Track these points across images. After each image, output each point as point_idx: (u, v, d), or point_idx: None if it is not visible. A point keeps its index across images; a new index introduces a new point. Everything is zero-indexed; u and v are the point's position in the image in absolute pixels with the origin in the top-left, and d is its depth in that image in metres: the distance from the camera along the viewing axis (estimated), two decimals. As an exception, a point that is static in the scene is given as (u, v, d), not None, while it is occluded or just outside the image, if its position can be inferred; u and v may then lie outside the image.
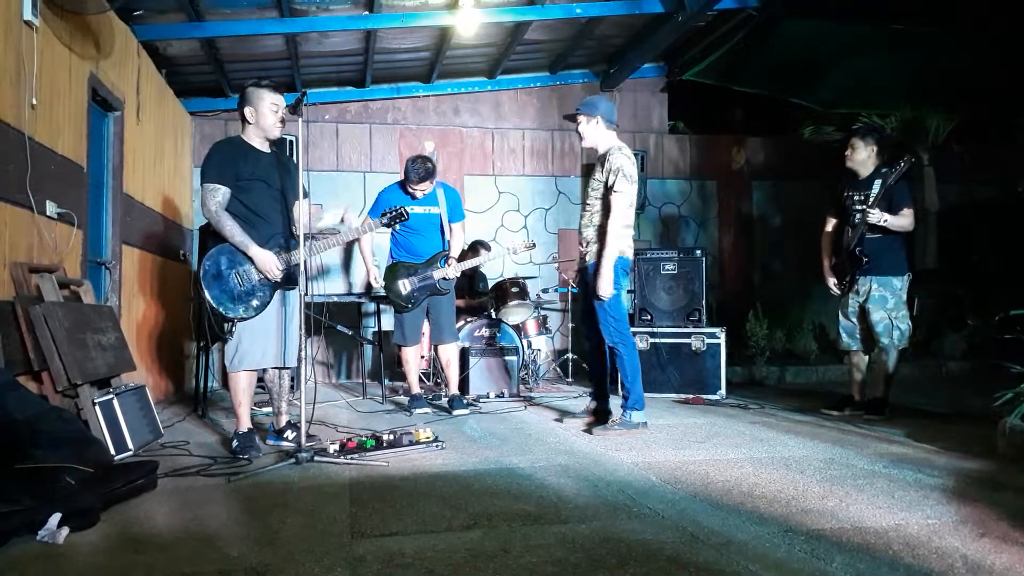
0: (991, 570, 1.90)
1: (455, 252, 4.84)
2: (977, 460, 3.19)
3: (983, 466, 3.10)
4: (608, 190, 3.97)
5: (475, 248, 6.13)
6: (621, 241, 3.95)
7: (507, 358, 5.58)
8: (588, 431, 4.01)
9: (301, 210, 3.40)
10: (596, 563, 1.96)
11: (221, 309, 3.40)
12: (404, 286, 4.78)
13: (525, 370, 6.08)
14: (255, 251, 3.39)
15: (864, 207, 4.32)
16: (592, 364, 4.40)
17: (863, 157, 4.48)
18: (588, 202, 4.16)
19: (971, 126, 7.74)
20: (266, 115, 3.47)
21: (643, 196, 7.68)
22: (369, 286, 5.35)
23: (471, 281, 6.55)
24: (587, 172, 7.56)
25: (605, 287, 3.91)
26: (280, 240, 3.51)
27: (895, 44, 6.19)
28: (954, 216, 7.69)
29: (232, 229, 3.37)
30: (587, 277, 4.11)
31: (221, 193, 3.38)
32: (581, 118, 4.10)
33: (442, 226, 4.86)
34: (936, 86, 6.89)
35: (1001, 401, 3.33)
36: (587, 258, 4.11)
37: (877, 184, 4.33)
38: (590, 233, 4.09)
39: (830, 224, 4.70)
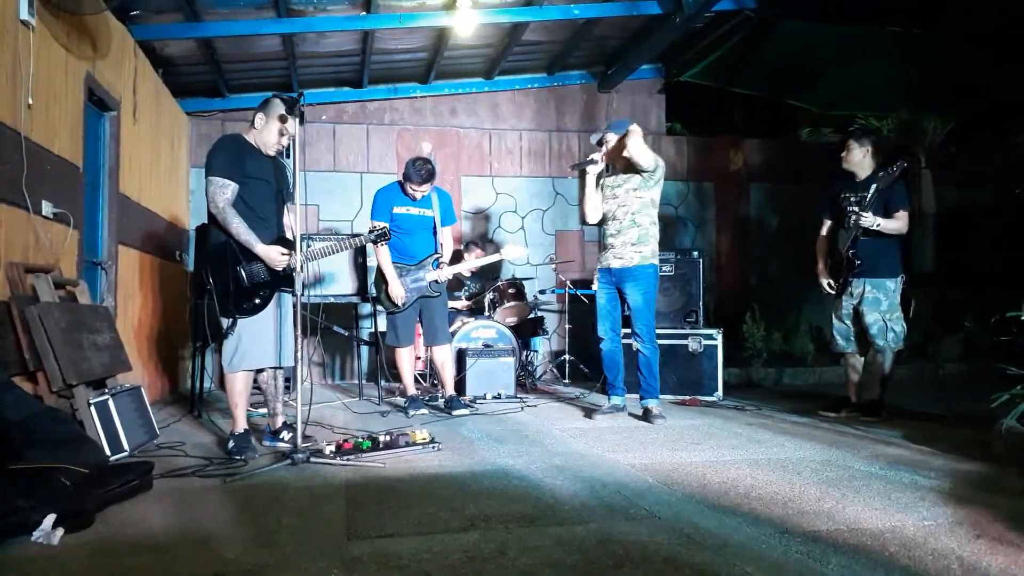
0: (987, 572, 1.90)
1: (446, 256, 4.84)
2: (973, 462, 3.20)
3: (979, 468, 3.11)
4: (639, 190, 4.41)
5: (469, 248, 6.16)
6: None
7: (504, 359, 5.57)
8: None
9: (295, 213, 3.39)
10: (593, 565, 1.96)
11: (221, 307, 3.39)
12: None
13: (522, 371, 6.08)
14: (260, 249, 3.39)
15: (858, 209, 4.32)
16: (617, 363, 4.58)
17: (859, 159, 4.48)
18: (615, 212, 4.45)
19: (968, 128, 7.76)
20: (272, 132, 3.48)
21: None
22: (363, 286, 5.34)
23: (483, 278, 6.56)
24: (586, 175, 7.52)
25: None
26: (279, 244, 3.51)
27: (893, 46, 6.20)
28: (951, 218, 7.71)
29: (239, 227, 3.35)
30: (623, 278, 4.43)
31: (231, 189, 3.36)
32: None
33: (435, 229, 4.86)
34: (933, 88, 6.90)
35: (997, 403, 3.33)
36: (629, 261, 4.39)
37: (873, 186, 4.33)
38: (632, 235, 4.39)
39: (825, 227, 4.70)
